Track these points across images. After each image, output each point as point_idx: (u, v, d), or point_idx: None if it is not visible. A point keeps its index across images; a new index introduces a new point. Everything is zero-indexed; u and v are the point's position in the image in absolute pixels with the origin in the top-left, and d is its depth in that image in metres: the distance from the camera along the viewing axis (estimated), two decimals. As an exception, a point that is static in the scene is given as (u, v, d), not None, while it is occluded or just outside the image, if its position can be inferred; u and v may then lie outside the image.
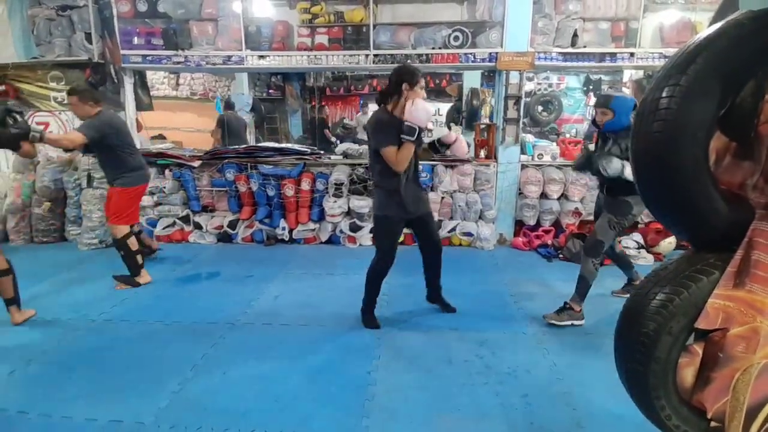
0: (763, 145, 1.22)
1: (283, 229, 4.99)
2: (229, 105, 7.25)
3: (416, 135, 2.67)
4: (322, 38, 5.06)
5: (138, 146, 5.31)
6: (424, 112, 2.65)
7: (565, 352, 2.77)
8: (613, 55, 4.90)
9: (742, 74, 1.17)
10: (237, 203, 5.09)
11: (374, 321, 3.11)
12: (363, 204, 4.89)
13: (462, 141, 3.14)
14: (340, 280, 3.99)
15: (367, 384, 2.43)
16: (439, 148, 3.19)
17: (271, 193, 4.95)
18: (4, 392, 2.37)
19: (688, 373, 1.32)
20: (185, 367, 2.59)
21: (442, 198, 4.94)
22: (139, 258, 3.76)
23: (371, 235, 4.96)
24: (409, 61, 4.94)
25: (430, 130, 2.92)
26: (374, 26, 4.94)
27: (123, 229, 3.65)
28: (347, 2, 5.19)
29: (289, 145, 5.37)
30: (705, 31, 1.20)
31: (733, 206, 1.26)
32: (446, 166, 4.94)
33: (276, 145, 5.30)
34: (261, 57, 5.06)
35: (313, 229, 5.02)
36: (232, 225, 5.06)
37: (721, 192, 1.26)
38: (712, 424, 1.31)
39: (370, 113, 8.64)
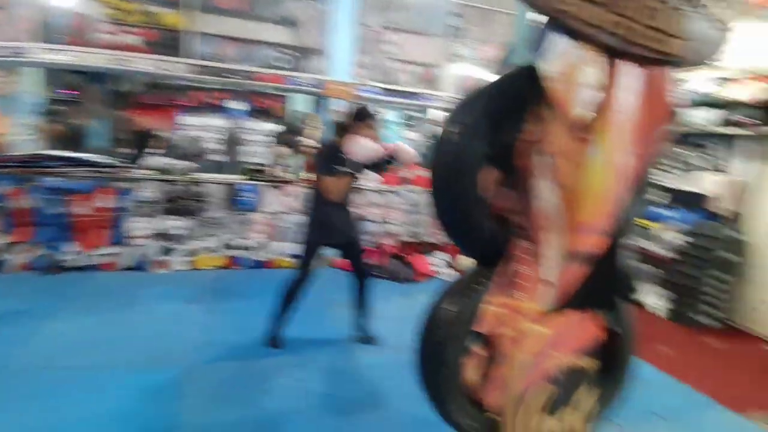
0: (521, 176, 1.48)
1: (72, 254, 4.19)
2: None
3: (345, 166, 2.78)
4: (133, 39, 4.54)
5: None
6: (359, 147, 2.76)
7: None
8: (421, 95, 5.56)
9: (504, 119, 1.42)
10: (9, 222, 4.10)
11: (275, 340, 3.00)
12: (179, 225, 4.44)
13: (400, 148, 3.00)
14: (140, 312, 3.50)
15: (171, 428, 2.16)
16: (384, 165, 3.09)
17: (56, 211, 4.14)
18: None
19: (472, 373, 1.50)
20: None
21: (268, 219, 4.81)
22: None
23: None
24: (233, 78, 4.76)
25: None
26: (195, 34, 4.63)
27: None
28: (162, 4, 4.77)
29: (85, 155, 4.60)
30: (485, 82, 1.45)
31: (503, 227, 1.50)
32: (272, 186, 4.84)
33: (68, 153, 4.48)
34: (52, 51, 4.26)
35: (112, 254, 4.34)
36: (2, 249, 4.05)
37: (494, 215, 1.49)
38: (493, 416, 1.51)
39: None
